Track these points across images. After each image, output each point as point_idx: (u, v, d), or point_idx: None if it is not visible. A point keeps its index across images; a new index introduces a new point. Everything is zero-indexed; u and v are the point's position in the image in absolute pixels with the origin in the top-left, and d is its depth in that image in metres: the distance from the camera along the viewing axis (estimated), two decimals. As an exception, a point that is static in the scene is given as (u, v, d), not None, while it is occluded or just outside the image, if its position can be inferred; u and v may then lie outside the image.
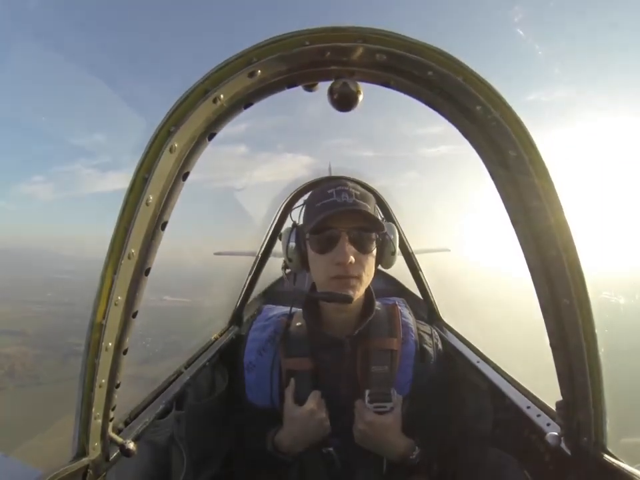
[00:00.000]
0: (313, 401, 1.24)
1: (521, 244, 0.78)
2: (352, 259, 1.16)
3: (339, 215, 1.17)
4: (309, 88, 0.72)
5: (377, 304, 1.39)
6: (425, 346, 1.37)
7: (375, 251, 1.25)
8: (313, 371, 1.31)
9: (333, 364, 1.30)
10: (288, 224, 1.89)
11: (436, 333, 1.48)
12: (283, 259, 1.35)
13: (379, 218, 1.27)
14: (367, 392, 1.24)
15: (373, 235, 1.22)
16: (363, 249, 1.20)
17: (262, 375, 1.35)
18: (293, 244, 1.29)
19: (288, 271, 1.37)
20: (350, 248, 1.17)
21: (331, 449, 1.27)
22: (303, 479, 1.27)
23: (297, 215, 1.37)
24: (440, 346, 1.43)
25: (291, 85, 0.70)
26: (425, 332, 1.42)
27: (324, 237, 1.19)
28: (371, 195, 1.27)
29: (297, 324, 1.40)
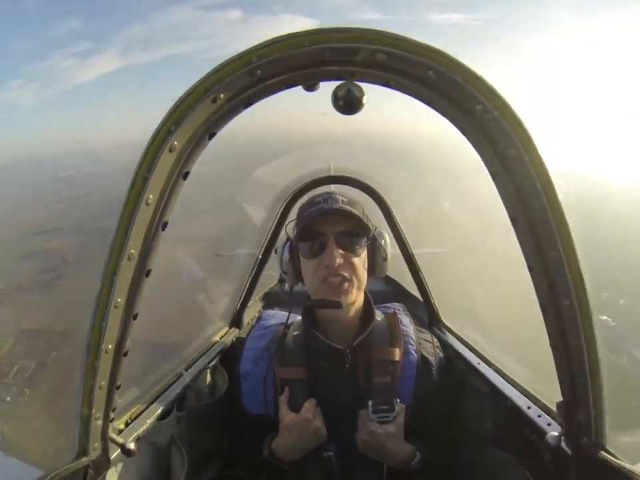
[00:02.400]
0: (307, 410, 1.25)
1: (520, 244, 0.78)
2: (340, 260, 1.19)
3: (324, 216, 1.21)
4: (310, 88, 0.72)
5: (377, 313, 1.39)
6: (426, 354, 1.38)
7: (364, 254, 1.28)
8: (308, 380, 1.32)
9: (332, 373, 1.31)
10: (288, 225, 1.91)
11: (436, 340, 1.48)
12: (279, 272, 1.40)
13: (367, 223, 1.30)
14: (370, 402, 1.25)
15: (361, 239, 1.26)
16: (351, 252, 1.23)
17: (256, 384, 1.36)
18: (287, 256, 1.34)
19: (285, 285, 1.43)
20: (338, 251, 1.20)
21: (331, 453, 1.28)
22: None
23: (291, 230, 1.42)
24: (440, 353, 1.44)
25: (291, 85, 0.70)
26: (425, 340, 1.43)
27: (312, 242, 1.23)
28: (359, 202, 1.32)
29: (294, 333, 1.41)
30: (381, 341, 1.34)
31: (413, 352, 1.35)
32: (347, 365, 1.29)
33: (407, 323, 1.43)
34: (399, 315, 1.44)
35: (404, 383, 1.31)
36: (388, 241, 1.36)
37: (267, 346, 1.41)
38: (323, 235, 1.22)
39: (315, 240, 1.23)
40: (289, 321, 1.46)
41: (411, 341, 1.37)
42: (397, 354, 1.32)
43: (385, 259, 1.34)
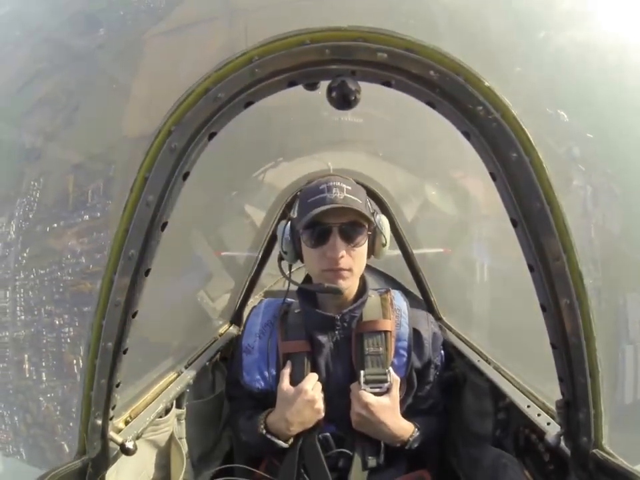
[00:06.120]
0: (307, 382, 1.24)
1: (521, 245, 0.78)
2: (342, 252, 1.21)
3: (329, 212, 1.19)
4: (310, 87, 0.72)
5: (371, 291, 1.40)
6: (419, 329, 1.37)
7: (365, 244, 1.29)
8: (309, 354, 1.32)
9: (329, 347, 1.31)
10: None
11: (432, 317, 1.48)
12: (279, 250, 1.40)
13: (370, 212, 1.30)
14: (362, 372, 1.25)
15: (364, 230, 1.26)
16: (353, 243, 1.24)
17: (259, 357, 1.36)
18: (287, 237, 1.34)
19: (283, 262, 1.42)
20: (341, 243, 1.21)
21: (327, 434, 1.28)
22: (301, 466, 1.26)
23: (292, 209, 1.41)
24: (435, 329, 1.43)
25: (292, 83, 0.70)
26: (419, 315, 1.43)
27: (316, 233, 1.23)
28: (362, 189, 1.32)
29: (295, 310, 1.41)
30: (373, 313, 1.35)
31: (405, 325, 1.35)
32: (337, 331, 1.30)
33: (400, 299, 1.44)
34: (392, 292, 1.45)
35: (397, 355, 1.31)
36: (387, 225, 1.37)
37: (269, 320, 1.42)
38: (326, 226, 1.22)
39: (318, 231, 1.23)
40: (291, 302, 1.46)
41: (404, 315, 1.37)
42: (389, 325, 1.32)
43: (385, 244, 1.35)
